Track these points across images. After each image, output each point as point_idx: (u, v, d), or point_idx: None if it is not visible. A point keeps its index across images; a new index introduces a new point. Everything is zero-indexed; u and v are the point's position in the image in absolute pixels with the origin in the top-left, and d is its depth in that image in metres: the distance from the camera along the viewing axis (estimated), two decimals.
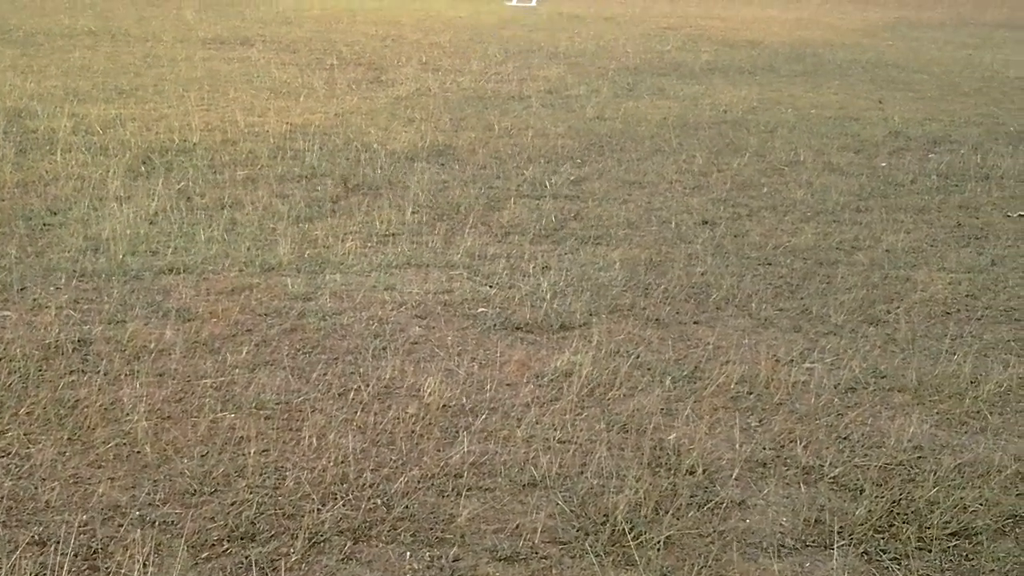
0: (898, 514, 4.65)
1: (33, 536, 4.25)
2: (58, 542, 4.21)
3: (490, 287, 7.18)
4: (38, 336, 6.11)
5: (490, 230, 8.44)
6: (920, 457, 5.15)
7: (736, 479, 4.89)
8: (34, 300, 6.67)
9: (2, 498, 4.50)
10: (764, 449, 5.16)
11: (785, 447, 5.19)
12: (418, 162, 10.49)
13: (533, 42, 20.20)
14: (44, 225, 8.15)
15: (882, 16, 28.71)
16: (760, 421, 5.45)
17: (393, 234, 8.23)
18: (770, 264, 7.84)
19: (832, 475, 4.94)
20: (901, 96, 15.70)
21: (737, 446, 5.16)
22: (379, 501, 4.59)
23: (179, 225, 8.19)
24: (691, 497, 4.72)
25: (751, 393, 5.73)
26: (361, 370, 5.84)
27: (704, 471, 4.92)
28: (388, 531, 4.40)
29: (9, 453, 4.87)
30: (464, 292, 7.06)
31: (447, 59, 17.63)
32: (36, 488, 4.59)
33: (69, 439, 5.00)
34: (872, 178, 10.50)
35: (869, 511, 4.64)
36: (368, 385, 5.65)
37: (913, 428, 5.38)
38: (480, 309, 6.78)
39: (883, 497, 4.75)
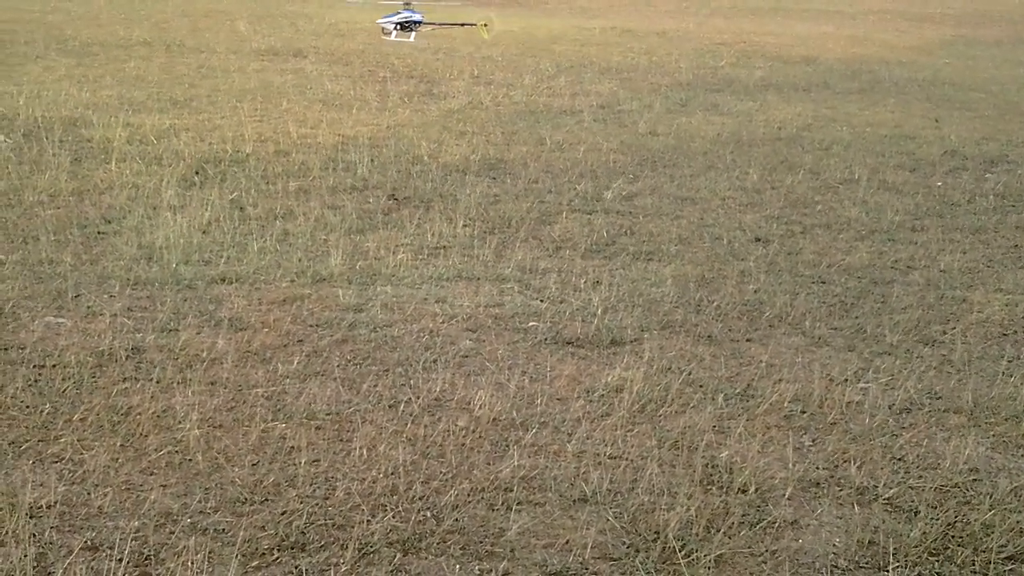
0: (953, 537, 4.59)
1: (86, 541, 4.28)
2: (111, 548, 4.22)
3: (541, 301, 7.16)
4: (92, 343, 6.15)
5: (541, 244, 8.43)
6: (976, 480, 5.08)
7: (789, 498, 4.84)
8: (88, 307, 6.71)
9: (56, 503, 4.53)
10: (817, 469, 5.10)
11: (839, 467, 5.13)
12: (469, 175, 10.50)
13: (585, 57, 20.20)
14: (99, 233, 8.22)
15: (939, 34, 28.51)
16: (813, 440, 5.39)
17: (444, 247, 8.23)
18: (824, 282, 7.78)
19: (886, 496, 4.88)
20: (958, 115, 15.57)
21: (790, 465, 5.10)
22: (429, 513, 4.58)
23: (232, 235, 8.23)
24: (743, 516, 4.68)
25: (804, 412, 5.68)
26: (411, 382, 5.84)
27: (756, 490, 4.87)
28: (438, 544, 4.38)
29: (63, 458, 4.90)
30: (515, 306, 7.05)
31: (499, 73, 17.66)
32: (89, 494, 4.62)
33: (122, 446, 5.03)
34: (928, 197, 10.41)
35: (924, 533, 4.58)
36: (418, 397, 5.64)
37: (969, 450, 5.31)
38: (531, 323, 6.76)
39: (938, 519, 4.69)
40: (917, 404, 5.84)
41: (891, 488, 4.94)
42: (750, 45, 23.37)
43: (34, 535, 4.29)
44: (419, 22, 21.45)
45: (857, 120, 14.65)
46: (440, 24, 22.05)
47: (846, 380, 6.09)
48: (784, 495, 4.85)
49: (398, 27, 21.16)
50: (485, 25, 21.35)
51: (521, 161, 11.22)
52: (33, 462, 4.86)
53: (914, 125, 14.47)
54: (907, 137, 13.52)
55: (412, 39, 20.91)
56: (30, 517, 4.41)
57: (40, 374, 5.73)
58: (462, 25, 22.06)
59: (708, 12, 32.62)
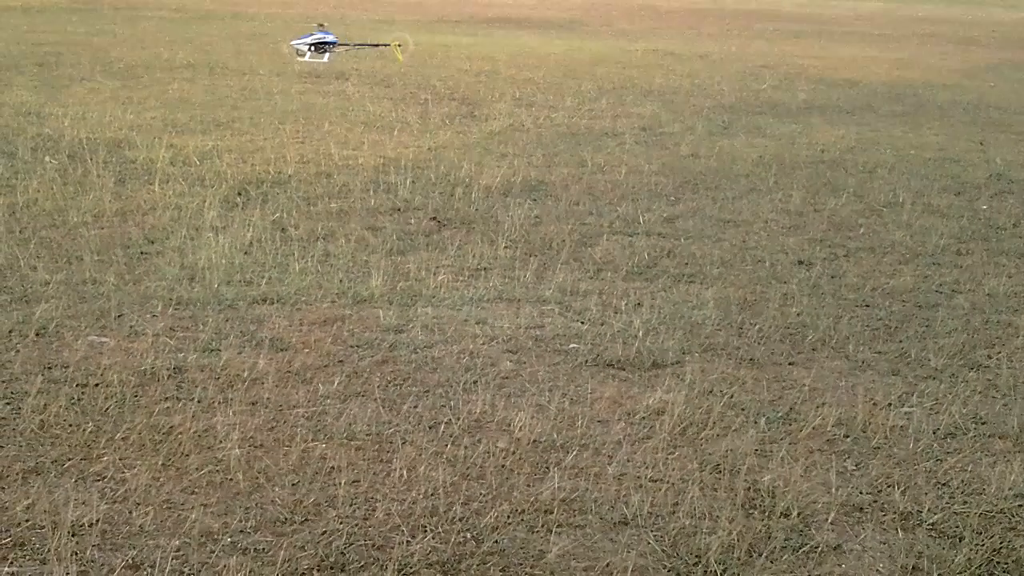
0: (999, 563, 4.54)
1: (128, 560, 4.29)
2: (152, 566, 4.24)
3: (582, 323, 7.14)
4: (134, 362, 6.18)
5: (582, 266, 8.41)
6: (1022, 505, 5.02)
7: (832, 523, 4.80)
8: (131, 327, 6.75)
9: (98, 521, 4.54)
10: (861, 493, 5.06)
11: (882, 492, 5.08)
12: (511, 197, 10.50)
13: (627, 79, 20.19)
14: (142, 253, 8.26)
15: (984, 57, 28.32)
16: (857, 465, 5.34)
17: (485, 268, 8.23)
18: (868, 306, 7.72)
19: (931, 521, 4.84)
20: (1003, 138, 15.44)
21: (833, 490, 5.06)
22: (469, 535, 4.57)
23: (273, 256, 8.26)
24: (786, 540, 4.64)
25: (848, 436, 5.63)
26: (452, 403, 5.83)
27: (799, 514, 4.83)
28: (478, 565, 4.37)
29: (105, 477, 4.92)
30: (555, 327, 7.03)
31: (540, 95, 17.68)
32: (131, 512, 4.63)
33: (163, 465, 5.05)
34: (973, 221, 10.31)
35: (969, 559, 4.53)
36: (459, 418, 5.63)
37: (1014, 476, 5.25)
38: (571, 345, 6.74)
39: (983, 545, 4.64)
40: (962, 429, 5.78)
41: (935, 513, 4.89)
42: (793, 68, 23.29)
43: (76, 553, 4.31)
44: (333, 43, 21.74)
45: (901, 143, 14.56)
46: (355, 45, 22.30)
47: (890, 404, 6.04)
48: (827, 520, 4.81)
49: (312, 48, 21.43)
50: (399, 46, 21.54)
51: (562, 183, 11.21)
52: (75, 480, 4.89)
53: (959, 148, 14.37)
54: (952, 160, 13.43)
55: (326, 60, 21.14)
56: (72, 535, 4.43)
57: (83, 393, 5.76)
58: (375, 46, 22.29)
59: (751, 35, 32.55)
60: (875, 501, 5.00)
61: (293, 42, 22.10)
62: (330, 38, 21.82)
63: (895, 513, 4.89)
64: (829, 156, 13.38)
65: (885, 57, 26.78)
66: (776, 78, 21.31)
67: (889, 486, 5.13)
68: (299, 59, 21.19)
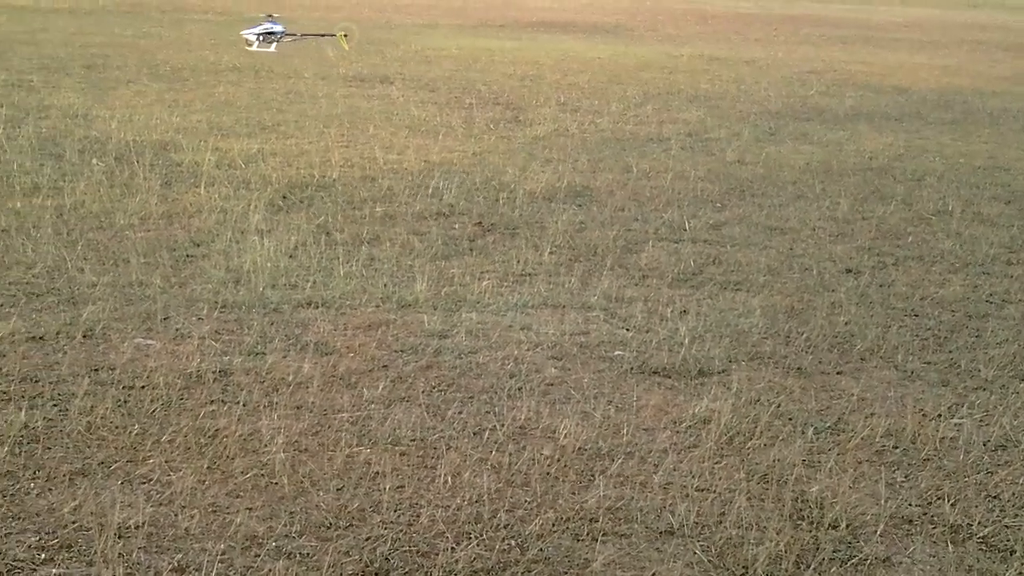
0: None
1: (174, 563, 4.29)
2: (198, 570, 4.24)
3: (627, 330, 7.11)
4: (180, 365, 6.19)
5: (627, 272, 8.37)
6: None
7: (881, 535, 4.74)
8: (177, 330, 6.77)
9: (144, 523, 4.55)
10: (910, 505, 5.00)
11: (932, 504, 5.02)
12: (555, 202, 10.47)
13: (672, 84, 20.12)
14: (187, 256, 8.29)
15: None
16: (906, 476, 5.28)
17: (530, 274, 8.21)
18: (917, 315, 7.64)
19: (981, 535, 4.77)
20: None
21: (882, 501, 5.00)
22: (513, 542, 4.55)
23: (318, 260, 8.27)
24: (834, 552, 4.59)
25: (897, 447, 5.57)
26: (496, 409, 5.81)
27: (848, 526, 4.78)
28: (522, 573, 4.35)
29: (151, 479, 4.93)
30: (601, 334, 7.00)
31: (585, 100, 17.64)
32: (176, 515, 4.64)
33: (209, 468, 5.05)
34: (1023, 230, 10.19)
35: (1020, 573, 4.48)
36: (503, 425, 5.61)
37: None
38: (617, 352, 6.71)
39: None
40: (1013, 441, 5.71)
41: (986, 527, 4.83)
42: (840, 74, 23.14)
43: (122, 555, 4.33)
44: (281, 34, 22.05)
45: (950, 151, 14.43)
46: (301, 36, 22.60)
47: (940, 415, 5.97)
48: (876, 532, 4.76)
49: (260, 38, 21.72)
50: (345, 35, 21.72)
51: (607, 189, 11.17)
52: (122, 482, 4.90)
53: (1009, 156, 14.22)
54: (1002, 168, 13.29)
55: (273, 49, 21.40)
56: (119, 537, 4.44)
57: (129, 395, 5.78)
58: (322, 36, 22.57)
59: (797, 40, 32.35)
60: (925, 513, 4.94)
61: (242, 32, 22.50)
62: (278, 28, 22.25)
63: (945, 526, 4.84)
64: (877, 163, 13.27)
65: (933, 64, 26.56)
66: (823, 84, 21.18)
67: (939, 498, 5.07)
68: (247, 48, 21.52)
